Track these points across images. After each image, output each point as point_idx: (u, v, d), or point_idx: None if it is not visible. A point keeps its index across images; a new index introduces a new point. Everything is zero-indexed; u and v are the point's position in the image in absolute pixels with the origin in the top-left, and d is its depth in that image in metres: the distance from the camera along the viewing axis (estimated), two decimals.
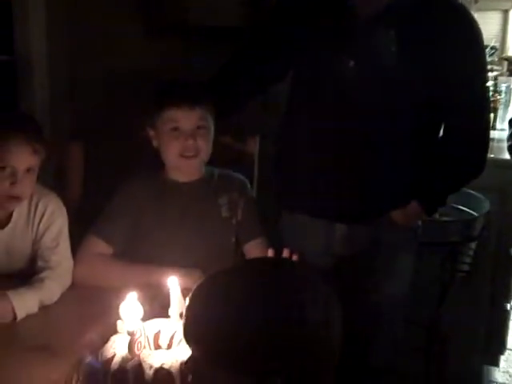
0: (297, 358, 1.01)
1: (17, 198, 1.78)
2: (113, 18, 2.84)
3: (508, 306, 2.95)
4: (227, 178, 2.05)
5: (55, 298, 1.77)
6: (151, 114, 1.96)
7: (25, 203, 1.84)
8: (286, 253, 1.70)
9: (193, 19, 2.80)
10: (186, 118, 1.89)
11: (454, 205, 2.57)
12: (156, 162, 2.00)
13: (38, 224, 1.85)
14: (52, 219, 1.86)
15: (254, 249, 1.99)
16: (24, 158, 1.75)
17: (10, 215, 1.84)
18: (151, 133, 1.98)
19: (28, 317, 1.69)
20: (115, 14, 2.84)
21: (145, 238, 1.95)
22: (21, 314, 1.67)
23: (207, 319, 1.03)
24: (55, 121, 2.89)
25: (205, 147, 1.94)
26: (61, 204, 1.90)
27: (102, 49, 2.86)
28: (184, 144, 1.90)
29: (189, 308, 1.08)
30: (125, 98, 2.78)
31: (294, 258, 1.70)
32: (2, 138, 1.72)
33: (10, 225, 1.84)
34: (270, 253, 1.71)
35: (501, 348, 3.01)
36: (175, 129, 1.90)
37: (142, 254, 1.94)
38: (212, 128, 1.95)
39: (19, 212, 1.85)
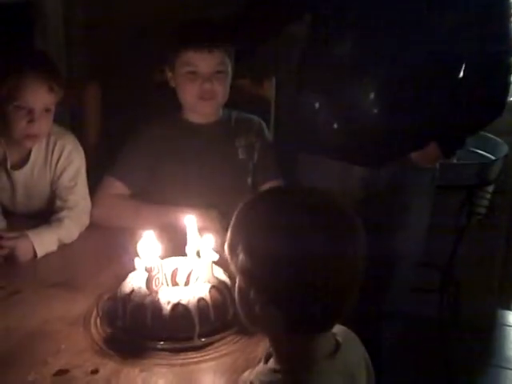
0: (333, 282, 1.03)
1: (34, 137, 1.79)
2: None
3: None
4: (245, 120, 2.04)
5: (74, 237, 1.80)
6: (169, 54, 1.94)
7: (42, 143, 1.85)
8: None
9: None
10: (204, 62, 1.88)
11: (472, 148, 2.54)
12: (174, 103, 1.99)
13: (56, 164, 1.86)
14: (70, 159, 1.87)
15: None
16: (40, 97, 1.74)
17: (28, 155, 1.85)
18: (169, 74, 1.96)
19: (48, 255, 1.72)
20: None
21: (162, 179, 1.95)
22: (40, 253, 1.70)
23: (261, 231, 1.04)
24: (71, 62, 2.87)
25: (222, 91, 1.93)
26: (78, 144, 1.91)
27: None
28: (201, 87, 1.89)
29: (241, 218, 1.08)
30: (141, 38, 2.76)
31: None
32: (18, 77, 1.72)
33: (27, 165, 1.85)
34: None
35: None
36: (193, 72, 1.89)
37: (159, 195, 1.95)
38: (230, 71, 1.94)
39: (37, 152, 1.85)
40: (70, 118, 2.21)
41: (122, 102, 2.59)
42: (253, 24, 2.04)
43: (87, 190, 1.90)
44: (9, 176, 1.85)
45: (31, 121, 1.74)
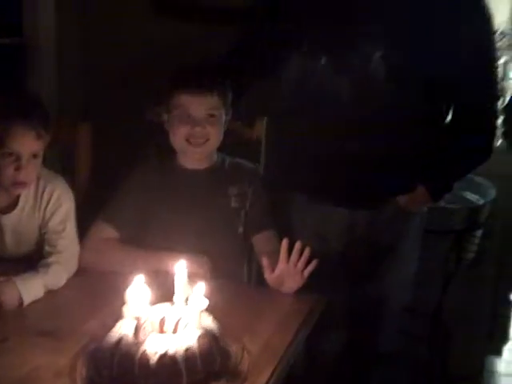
0: None
1: (22, 184, 1.78)
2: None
3: None
4: (238, 167, 2.03)
5: (61, 283, 1.78)
6: (163, 97, 1.95)
7: (31, 187, 1.84)
8: (297, 246, 1.71)
9: (205, 0, 2.79)
10: (196, 105, 1.88)
11: (460, 191, 2.56)
12: (168, 147, 1.99)
13: (45, 208, 1.85)
14: (59, 203, 1.86)
15: (262, 241, 1.97)
16: (28, 144, 1.74)
17: (17, 199, 1.84)
18: (164, 116, 1.97)
19: (35, 301, 1.70)
20: None
21: (153, 225, 1.95)
22: (27, 300, 1.68)
23: None
24: (64, 102, 2.89)
25: (214, 135, 1.92)
26: (68, 188, 1.90)
27: (112, 30, 2.85)
28: (192, 130, 1.89)
29: None
30: (135, 80, 2.78)
31: (306, 253, 1.71)
32: (6, 124, 1.71)
33: (16, 209, 1.84)
34: (285, 244, 1.72)
35: (504, 338, 3.01)
36: (185, 114, 1.89)
37: (149, 241, 1.94)
38: (223, 116, 1.94)
39: (26, 196, 1.85)
40: (61, 159, 2.20)
41: (114, 144, 2.61)
42: (243, 67, 2.07)
43: (76, 234, 1.89)
44: None
45: (18, 168, 1.74)
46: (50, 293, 1.74)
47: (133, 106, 2.25)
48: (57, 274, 1.77)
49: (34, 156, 1.77)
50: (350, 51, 1.86)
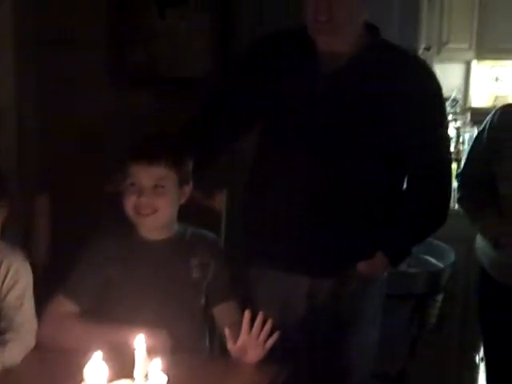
0: None
1: None
2: (85, 70, 2.85)
3: (477, 358, 2.95)
4: (199, 237, 2.01)
5: (17, 362, 1.72)
6: (120, 167, 1.94)
7: None
8: (259, 318, 1.70)
9: (165, 71, 2.83)
10: (142, 175, 1.85)
11: (421, 255, 2.58)
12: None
13: (2, 283, 1.81)
14: (16, 278, 1.82)
15: (224, 312, 1.94)
16: None
17: None
18: (122, 186, 1.96)
19: None
20: (85, 65, 2.85)
21: (113, 298, 1.91)
22: None
23: None
24: (22, 173, 2.86)
25: (163, 206, 1.88)
26: (25, 263, 1.86)
27: (71, 100, 2.87)
28: (138, 200, 1.86)
29: None
30: (94, 150, 2.79)
31: (267, 325, 1.69)
32: None
33: None
34: (247, 315, 1.71)
35: None
36: (133, 184, 1.88)
37: (110, 313, 1.90)
38: (175, 187, 1.90)
39: None
40: (22, 232, 2.17)
41: (73, 215, 2.58)
42: (202, 139, 2.09)
43: (34, 310, 1.84)
44: None
45: None
46: (3, 369, 1.68)
47: (91, 176, 2.25)
48: (13, 352, 1.71)
49: None
50: (304, 126, 1.90)
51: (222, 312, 1.95)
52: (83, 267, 1.93)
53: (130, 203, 1.88)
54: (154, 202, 1.86)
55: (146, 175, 1.86)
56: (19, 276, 1.82)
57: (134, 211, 1.88)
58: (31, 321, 1.82)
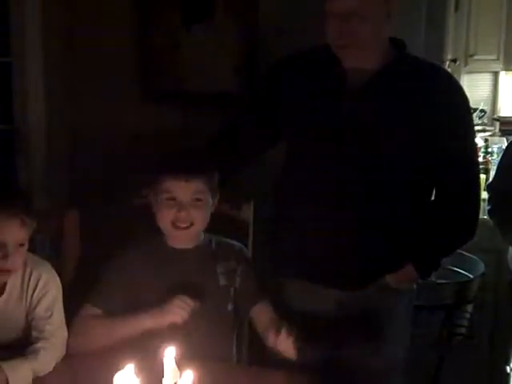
0: None
1: (7, 272, 1.79)
2: (111, 85, 2.89)
3: (508, 369, 2.91)
4: (225, 245, 2.05)
5: (49, 369, 1.76)
6: (151, 181, 1.98)
7: (18, 274, 1.84)
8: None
9: (190, 85, 2.86)
10: (181, 190, 1.91)
11: (449, 266, 2.57)
12: (155, 227, 2.00)
13: (32, 294, 1.84)
14: (45, 289, 1.85)
15: (260, 312, 1.98)
16: (13, 233, 1.76)
17: (4, 286, 1.84)
18: (151, 199, 1.99)
19: None
20: (113, 81, 2.90)
21: (141, 307, 1.94)
22: None
23: None
24: (52, 189, 2.91)
25: (200, 218, 1.94)
26: (54, 273, 1.90)
27: (100, 116, 2.91)
28: (177, 215, 1.91)
29: None
30: (123, 164, 2.82)
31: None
32: None
33: (3, 296, 1.84)
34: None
35: None
36: (171, 198, 1.92)
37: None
38: (209, 200, 1.96)
39: (13, 283, 1.84)
40: (49, 246, 2.21)
41: (103, 228, 2.61)
42: (229, 152, 2.12)
43: (63, 320, 1.88)
44: None
45: (4, 257, 1.75)
46: (37, 378, 1.72)
47: (120, 191, 2.28)
48: (45, 360, 1.75)
49: (21, 244, 1.78)
50: (331, 142, 1.91)
51: (259, 312, 1.98)
52: (111, 277, 1.96)
53: (167, 217, 1.93)
54: (192, 215, 1.92)
55: (185, 190, 1.91)
56: (49, 287, 1.86)
57: (171, 225, 1.93)
58: (61, 330, 1.86)
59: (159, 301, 1.90)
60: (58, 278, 1.90)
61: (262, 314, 1.98)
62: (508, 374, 2.90)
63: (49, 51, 2.90)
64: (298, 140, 2.01)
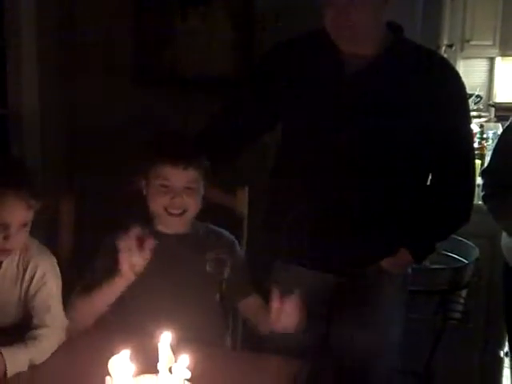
0: None
1: (8, 251, 1.78)
2: (103, 71, 2.89)
3: (501, 353, 2.94)
4: (216, 234, 2.05)
5: (47, 355, 1.74)
6: (144, 164, 1.97)
7: (15, 257, 1.83)
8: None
9: (187, 71, 2.86)
10: (177, 177, 1.91)
11: (444, 252, 2.58)
12: (146, 213, 2.00)
13: (29, 285, 1.83)
14: (43, 281, 1.84)
15: (250, 305, 1.99)
16: (18, 214, 1.75)
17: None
18: (143, 182, 1.99)
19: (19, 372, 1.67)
20: (108, 68, 2.89)
21: (130, 289, 1.94)
22: (11, 372, 1.65)
23: None
24: (46, 174, 2.91)
25: (193, 205, 1.95)
26: (53, 264, 1.89)
27: (92, 101, 2.91)
28: (171, 201, 1.92)
29: None
30: (115, 148, 2.82)
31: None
32: None
33: None
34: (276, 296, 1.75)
35: None
36: (165, 185, 1.92)
37: (126, 304, 1.94)
38: (201, 187, 1.97)
39: (7, 265, 1.83)
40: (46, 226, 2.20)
41: (97, 211, 2.62)
42: (225, 137, 2.11)
43: (62, 309, 1.87)
44: None
45: (7, 237, 1.74)
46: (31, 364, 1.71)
47: (114, 174, 2.27)
48: (44, 347, 1.74)
49: (24, 225, 1.77)
50: (328, 126, 1.91)
51: (248, 306, 1.99)
52: (101, 261, 1.96)
53: (160, 203, 1.93)
54: (185, 202, 1.93)
55: (180, 178, 1.91)
56: (46, 279, 1.85)
57: (164, 210, 1.93)
58: (61, 319, 1.85)
59: (143, 283, 1.90)
60: (57, 268, 1.89)
61: (252, 306, 1.98)
62: (501, 359, 2.93)
63: (42, 35, 2.89)
64: (295, 124, 2.01)
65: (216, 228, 2.06)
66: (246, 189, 2.18)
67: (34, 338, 1.74)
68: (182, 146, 1.97)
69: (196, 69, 2.85)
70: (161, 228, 2.00)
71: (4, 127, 3.01)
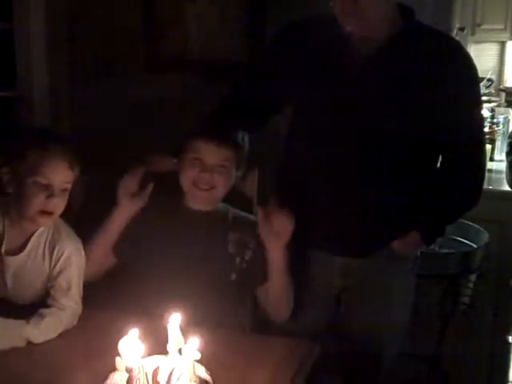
0: None
1: (49, 214, 1.78)
2: (117, 56, 2.89)
3: (510, 339, 2.93)
4: (242, 217, 2.05)
5: (48, 338, 1.74)
6: (181, 141, 1.99)
7: (43, 236, 1.84)
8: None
9: (191, 54, 2.85)
10: (209, 153, 1.92)
11: (454, 236, 2.57)
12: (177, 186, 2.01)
13: (54, 265, 1.84)
14: (68, 263, 1.84)
15: (268, 291, 1.98)
16: (61, 174, 1.76)
17: (26, 243, 1.83)
18: (176, 159, 1.99)
19: (28, 350, 1.68)
20: (119, 52, 2.89)
21: (149, 258, 1.96)
22: (3, 345, 1.66)
23: None
24: None
25: (221, 183, 1.95)
26: (80, 249, 1.90)
27: (106, 84, 2.91)
28: (200, 175, 1.93)
29: None
30: (127, 133, 2.82)
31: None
32: (40, 152, 1.74)
33: (23, 253, 1.82)
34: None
35: (504, 381, 2.98)
36: (197, 159, 1.93)
37: (144, 273, 1.97)
38: (233, 169, 1.97)
39: (36, 241, 1.84)
40: None
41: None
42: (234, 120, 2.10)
43: (81, 295, 1.88)
44: (1, 260, 1.83)
45: (50, 196, 1.75)
46: (44, 342, 1.72)
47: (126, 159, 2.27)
48: (48, 327, 1.74)
49: (63, 190, 1.78)
50: (338, 108, 1.90)
51: (265, 291, 1.98)
52: (127, 226, 1.99)
53: (189, 176, 1.95)
54: (214, 179, 1.93)
55: (214, 154, 1.92)
56: (71, 262, 1.85)
57: (192, 184, 1.95)
58: (76, 305, 1.85)
59: (162, 253, 1.93)
60: (82, 252, 1.90)
61: (269, 292, 1.97)
62: (510, 344, 2.93)
63: (51, 18, 2.89)
64: (305, 107, 2.00)
65: (244, 213, 2.06)
66: (256, 172, 2.18)
67: (41, 317, 1.74)
68: (219, 124, 1.98)
69: (206, 52, 2.84)
70: (189, 203, 2.01)
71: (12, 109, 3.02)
